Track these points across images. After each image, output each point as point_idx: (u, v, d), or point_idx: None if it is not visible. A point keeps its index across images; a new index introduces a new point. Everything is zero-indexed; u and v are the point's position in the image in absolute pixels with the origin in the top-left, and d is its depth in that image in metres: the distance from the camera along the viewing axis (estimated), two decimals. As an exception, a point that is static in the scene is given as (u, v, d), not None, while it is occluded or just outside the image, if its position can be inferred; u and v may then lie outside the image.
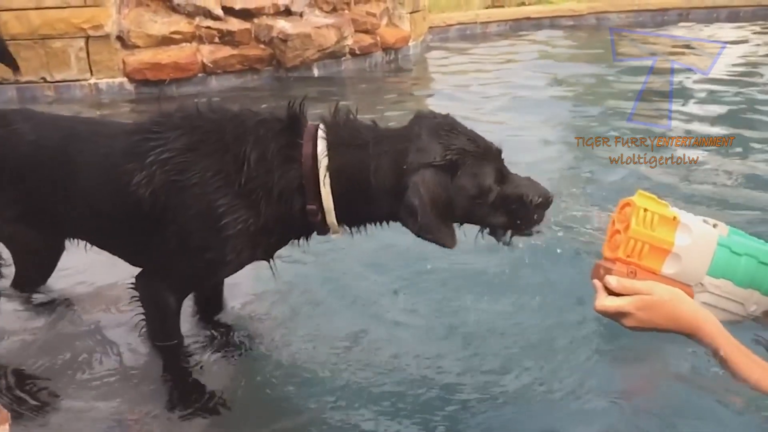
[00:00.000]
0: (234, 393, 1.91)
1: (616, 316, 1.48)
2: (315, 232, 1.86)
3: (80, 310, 2.32)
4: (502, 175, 1.74)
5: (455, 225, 1.79)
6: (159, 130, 1.78)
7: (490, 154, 1.74)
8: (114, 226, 1.87)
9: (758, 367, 1.43)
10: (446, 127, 1.73)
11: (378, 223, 1.86)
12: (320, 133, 1.73)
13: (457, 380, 1.90)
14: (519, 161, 3.84)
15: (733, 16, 10.31)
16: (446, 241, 1.71)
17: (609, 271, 1.49)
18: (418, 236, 1.71)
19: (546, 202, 1.75)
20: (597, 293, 1.50)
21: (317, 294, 2.43)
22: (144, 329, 1.95)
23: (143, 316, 1.93)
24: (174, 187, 1.72)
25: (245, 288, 2.38)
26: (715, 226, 1.53)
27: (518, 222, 1.75)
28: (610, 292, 1.49)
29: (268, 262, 1.94)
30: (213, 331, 2.17)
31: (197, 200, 1.72)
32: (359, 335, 2.14)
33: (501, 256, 2.40)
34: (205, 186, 1.71)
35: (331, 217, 1.75)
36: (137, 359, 2.04)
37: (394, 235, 1.93)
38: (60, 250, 2.22)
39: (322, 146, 1.72)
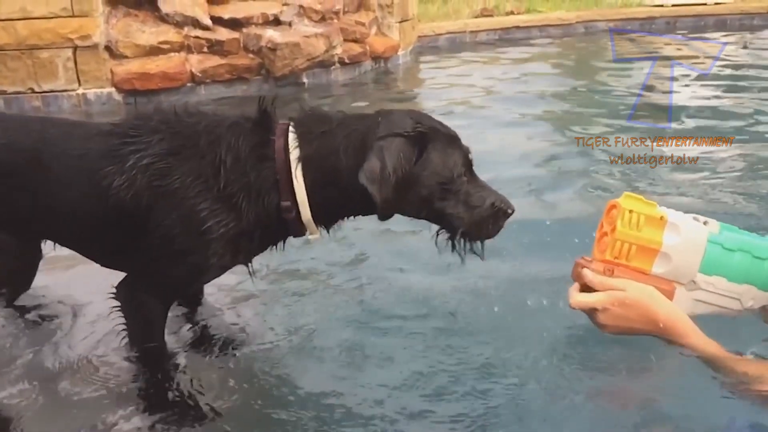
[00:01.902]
0: (221, 401, 1.87)
1: (591, 312, 1.49)
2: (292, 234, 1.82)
3: (58, 319, 2.27)
4: (470, 170, 1.73)
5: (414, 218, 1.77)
6: (138, 133, 1.76)
7: (461, 142, 1.73)
8: (90, 227, 1.84)
9: (740, 361, 1.45)
10: (417, 112, 1.77)
11: (354, 215, 1.83)
12: (290, 127, 1.73)
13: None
14: (517, 163, 3.90)
15: (720, 23, 10.42)
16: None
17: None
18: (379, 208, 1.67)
19: (507, 212, 1.74)
20: (570, 290, 1.52)
21: (304, 299, 2.41)
22: (125, 338, 1.91)
23: (124, 326, 1.89)
24: (156, 192, 1.71)
25: (230, 293, 2.36)
26: (705, 223, 1.53)
27: (477, 226, 1.72)
28: (585, 291, 1.50)
29: (247, 266, 1.92)
30: (196, 335, 2.15)
31: (179, 205, 1.71)
32: (350, 347, 2.09)
33: (492, 258, 2.39)
34: (186, 190, 1.70)
35: (305, 212, 1.73)
36: (117, 369, 1.99)
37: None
38: (37, 257, 2.19)
39: (292, 138, 1.71)
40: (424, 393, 1.85)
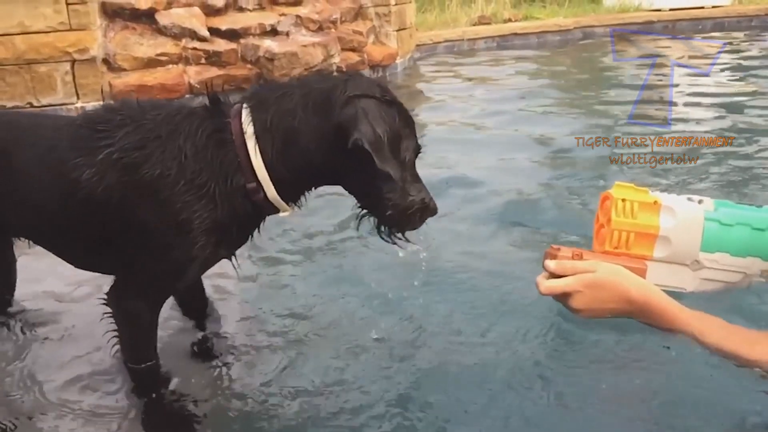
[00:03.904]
0: (215, 417, 1.85)
1: (563, 297, 1.47)
2: (265, 215, 1.79)
3: (44, 329, 2.26)
4: (415, 159, 1.69)
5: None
6: (106, 126, 1.73)
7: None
8: (60, 221, 1.81)
9: (730, 330, 1.42)
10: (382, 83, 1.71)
11: (322, 184, 1.78)
12: (243, 105, 1.69)
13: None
14: (517, 163, 3.89)
15: (719, 26, 10.44)
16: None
17: (554, 257, 1.49)
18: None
19: (434, 211, 1.70)
20: (538, 278, 1.49)
21: (300, 307, 2.40)
22: (117, 348, 1.88)
23: (115, 332, 1.86)
24: (127, 186, 1.68)
25: (229, 304, 2.35)
26: (700, 202, 1.53)
27: (406, 216, 1.67)
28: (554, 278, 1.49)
29: (230, 260, 1.88)
30: (195, 348, 2.13)
31: (152, 199, 1.67)
32: (347, 356, 2.10)
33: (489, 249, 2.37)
34: (157, 183, 1.66)
35: (270, 190, 1.68)
36: (108, 383, 1.97)
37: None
38: (12, 257, 2.17)
39: (245, 114, 1.67)
40: (429, 386, 1.89)
